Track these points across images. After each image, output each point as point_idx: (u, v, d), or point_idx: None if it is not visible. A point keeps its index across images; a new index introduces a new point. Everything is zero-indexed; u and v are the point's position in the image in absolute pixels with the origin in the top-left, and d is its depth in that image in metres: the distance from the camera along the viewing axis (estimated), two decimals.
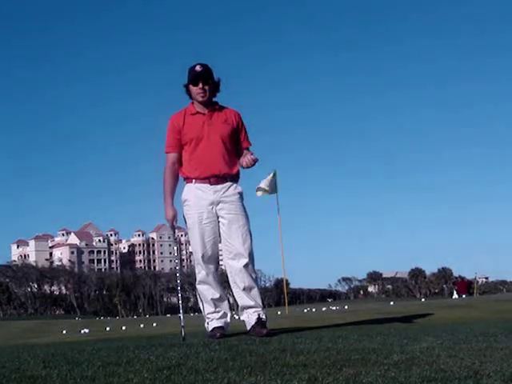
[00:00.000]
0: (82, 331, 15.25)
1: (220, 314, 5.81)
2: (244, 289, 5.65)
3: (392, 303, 28.89)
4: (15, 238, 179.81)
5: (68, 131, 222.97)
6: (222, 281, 5.91)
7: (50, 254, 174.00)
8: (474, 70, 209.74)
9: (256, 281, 5.76)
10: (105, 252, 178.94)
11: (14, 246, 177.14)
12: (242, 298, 5.70)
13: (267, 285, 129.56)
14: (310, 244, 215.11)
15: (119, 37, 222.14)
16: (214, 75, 5.65)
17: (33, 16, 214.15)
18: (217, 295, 5.78)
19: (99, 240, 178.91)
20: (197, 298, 5.99)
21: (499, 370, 3.09)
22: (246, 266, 5.62)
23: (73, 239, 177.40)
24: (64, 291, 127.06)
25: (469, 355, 3.56)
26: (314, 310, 27.74)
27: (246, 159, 5.64)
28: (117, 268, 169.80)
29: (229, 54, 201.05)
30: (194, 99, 5.71)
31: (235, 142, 5.76)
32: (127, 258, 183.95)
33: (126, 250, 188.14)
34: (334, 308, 27.07)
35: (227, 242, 5.66)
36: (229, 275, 5.72)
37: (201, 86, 5.60)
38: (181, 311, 5.85)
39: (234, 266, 5.64)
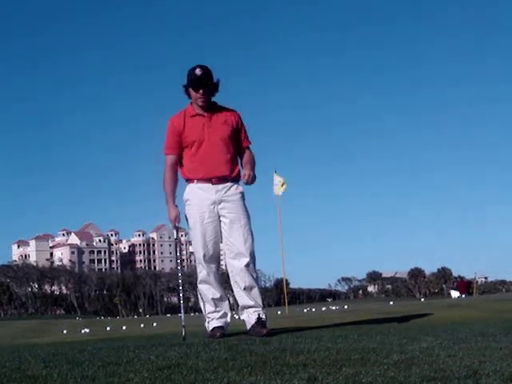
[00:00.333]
0: (83, 331, 15.26)
1: (220, 313, 5.83)
2: (245, 288, 5.67)
3: (391, 303, 28.89)
4: (16, 238, 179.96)
5: (68, 131, 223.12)
6: (223, 281, 5.94)
7: (51, 254, 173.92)
8: (481, 71, 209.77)
9: (257, 280, 5.78)
10: (105, 252, 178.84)
11: (15, 246, 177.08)
12: (242, 298, 5.72)
13: (267, 285, 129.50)
14: (310, 244, 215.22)
15: (120, 38, 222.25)
16: (214, 76, 5.64)
17: (34, 17, 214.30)
18: (217, 295, 5.80)
19: (99, 240, 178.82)
20: (197, 298, 6.01)
21: (498, 369, 3.09)
22: (247, 265, 5.64)
23: (73, 239, 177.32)
24: (64, 291, 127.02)
25: (468, 355, 3.57)
26: (313, 309, 27.71)
27: (245, 177, 5.68)
28: (117, 268, 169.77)
29: (230, 55, 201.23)
30: (193, 102, 5.73)
31: (235, 142, 5.78)
32: (127, 258, 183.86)
33: (126, 250, 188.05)
34: (334, 308, 27.05)
35: (228, 241, 5.68)
36: (230, 274, 5.74)
37: (201, 92, 5.60)
38: (182, 311, 5.86)
39: (235, 265, 5.66)
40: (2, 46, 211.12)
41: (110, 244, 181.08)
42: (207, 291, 5.80)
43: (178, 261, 5.98)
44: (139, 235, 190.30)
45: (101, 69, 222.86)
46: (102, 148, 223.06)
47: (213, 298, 5.79)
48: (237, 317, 6.96)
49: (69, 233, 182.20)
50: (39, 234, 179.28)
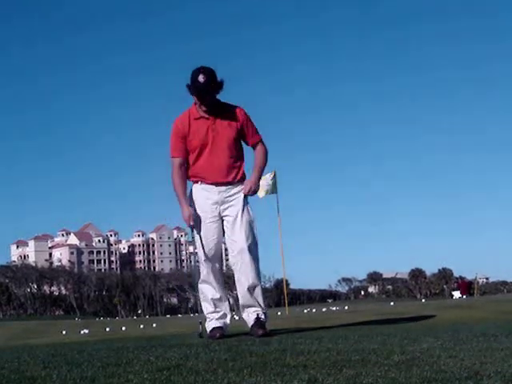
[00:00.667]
0: (82, 332, 15.24)
1: (220, 314, 5.83)
2: (248, 287, 5.69)
3: (392, 304, 28.91)
4: (15, 239, 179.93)
5: (68, 132, 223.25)
6: (224, 281, 5.94)
7: (50, 254, 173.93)
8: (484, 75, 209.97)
9: (260, 279, 5.81)
10: (104, 252, 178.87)
11: (14, 247, 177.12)
12: (244, 297, 5.74)
13: (267, 285, 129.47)
14: (310, 244, 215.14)
15: (128, 42, 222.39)
16: (217, 77, 5.56)
17: (40, 22, 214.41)
18: (217, 295, 5.80)
19: (99, 240, 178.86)
20: (196, 298, 6.00)
21: (500, 370, 3.08)
22: (249, 263, 5.65)
23: (72, 240, 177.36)
24: (64, 292, 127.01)
25: (469, 356, 3.56)
26: (314, 310, 27.70)
27: (245, 190, 5.68)
28: (116, 268, 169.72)
29: (232, 60, 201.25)
30: (197, 104, 5.68)
31: (241, 143, 5.80)
32: (127, 259, 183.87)
33: (125, 251, 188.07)
34: (334, 308, 27.05)
35: (231, 239, 5.71)
36: (235, 273, 5.77)
37: (205, 101, 5.55)
38: (199, 308, 5.89)
39: (238, 263, 5.68)
40: (8, 49, 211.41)
41: (109, 244, 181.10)
42: (207, 291, 5.81)
43: (194, 262, 5.93)
44: (139, 236, 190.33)
45: (100, 72, 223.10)
46: (101, 148, 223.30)
47: (212, 299, 5.79)
48: (237, 317, 6.95)
49: (68, 233, 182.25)
50: (38, 235, 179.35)
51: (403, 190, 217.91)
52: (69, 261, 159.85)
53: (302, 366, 3.38)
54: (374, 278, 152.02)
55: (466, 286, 49.87)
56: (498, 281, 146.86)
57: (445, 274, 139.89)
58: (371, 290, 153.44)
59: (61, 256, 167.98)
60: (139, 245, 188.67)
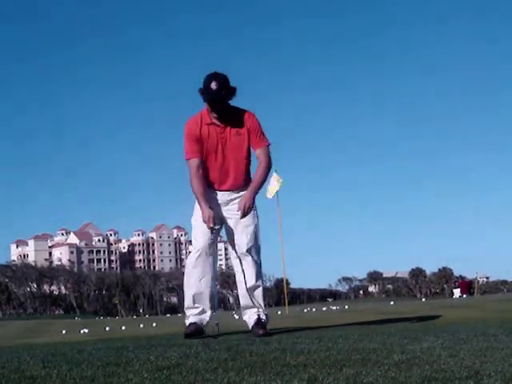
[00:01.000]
0: (82, 331, 15.22)
1: (198, 310, 5.80)
2: (249, 288, 5.70)
3: (392, 303, 28.91)
4: (14, 238, 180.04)
5: (68, 131, 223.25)
6: (222, 281, 5.94)
7: (50, 253, 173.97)
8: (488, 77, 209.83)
9: (261, 280, 5.82)
10: (104, 252, 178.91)
11: (14, 246, 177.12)
12: (244, 298, 5.76)
13: (267, 285, 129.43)
14: (311, 244, 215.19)
15: (133, 43, 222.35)
16: (230, 84, 5.51)
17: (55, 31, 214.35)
18: (200, 291, 5.74)
19: (99, 240, 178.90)
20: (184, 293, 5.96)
21: (500, 370, 3.08)
22: (251, 265, 5.67)
23: (72, 239, 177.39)
24: (63, 291, 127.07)
25: (469, 355, 3.55)
26: (314, 309, 27.70)
27: (240, 208, 5.62)
28: (116, 268, 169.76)
29: (240, 59, 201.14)
30: (208, 109, 5.63)
31: (249, 150, 5.75)
32: (127, 258, 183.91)
33: (125, 250, 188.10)
34: (334, 308, 27.04)
35: (234, 240, 5.72)
36: (236, 274, 5.78)
37: (216, 109, 5.52)
38: (215, 307, 5.90)
39: (239, 265, 5.72)
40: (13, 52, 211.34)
41: (109, 244, 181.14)
42: (191, 285, 5.78)
43: (218, 262, 5.94)
44: (138, 235, 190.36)
45: (102, 74, 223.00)
46: (101, 148, 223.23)
47: (193, 294, 5.77)
48: (237, 316, 6.94)
49: (68, 232, 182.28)
50: (38, 234, 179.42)
51: (403, 190, 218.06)
52: (69, 260, 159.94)
53: (302, 365, 3.38)
54: (374, 277, 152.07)
55: (467, 286, 49.90)
56: (498, 280, 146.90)
57: (445, 274, 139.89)
58: (371, 289, 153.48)
59: (61, 255, 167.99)
60: (139, 244, 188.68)
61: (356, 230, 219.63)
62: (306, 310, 25.16)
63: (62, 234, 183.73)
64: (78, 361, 3.90)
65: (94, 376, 3.30)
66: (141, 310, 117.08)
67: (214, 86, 5.44)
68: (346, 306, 29.40)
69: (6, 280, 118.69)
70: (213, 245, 5.74)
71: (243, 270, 5.69)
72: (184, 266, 6.25)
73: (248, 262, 5.66)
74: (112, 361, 3.78)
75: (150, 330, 10.91)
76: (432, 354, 3.61)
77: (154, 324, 16.87)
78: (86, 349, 4.79)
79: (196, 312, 5.80)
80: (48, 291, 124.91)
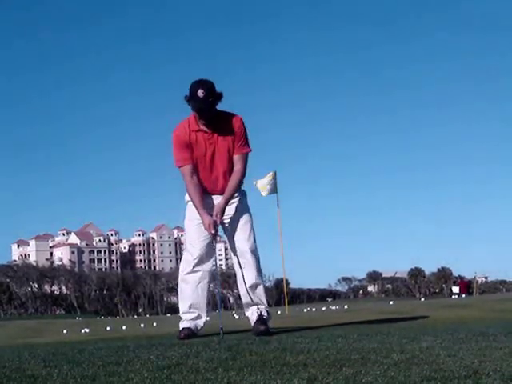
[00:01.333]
0: (83, 331, 15.23)
1: (194, 315, 5.82)
2: (250, 286, 5.72)
3: (391, 303, 28.88)
4: (16, 238, 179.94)
5: (68, 130, 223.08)
6: (222, 280, 5.96)
7: (51, 253, 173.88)
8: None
9: (262, 277, 5.85)
10: (105, 252, 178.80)
11: (15, 246, 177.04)
12: (246, 296, 5.78)
13: (267, 284, 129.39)
14: (310, 243, 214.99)
15: (131, 41, 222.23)
16: (216, 89, 5.46)
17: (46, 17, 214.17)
18: (195, 296, 5.76)
19: (99, 240, 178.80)
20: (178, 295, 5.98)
21: (499, 369, 3.09)
22: (251, 263, 5.69)
23: (73, 239, 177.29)
24: (64, 291, 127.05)
25: (468, 355, 3.56)
26: (313, 309, 27.73)
27: (214, 214, 5.59)
28: (117, 268, 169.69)
29: (230, 55, 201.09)
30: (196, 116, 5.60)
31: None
32: (127, 258, 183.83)
33: (126, 250, 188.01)
34: (334, 307, 27.07)
35: (232, 240, 5.74)
36: (236, 273, 5.80)
37: (205, 117, 5.48)
38: (219, 309, 5.94)
39: (239, 264, 5.73)
40: (8, 46, 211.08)
41: (109, 244, 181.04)
42: (186, 292, 5.81)
43: (216, 266, 5.94)
44: (139, 235, 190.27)
45: (99, 69, 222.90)
46: (101, 148, 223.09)
47: (190, 304, 5.79)
48: (237, 316, 6.95)
49: (69, 232, 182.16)
50: (39, 234, 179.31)
51: (403, 190, 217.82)
52: (69, 260, 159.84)
53: (301, 364, 3.39)
54: (374, 277, 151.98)
55: (465, 286, 49.87)
56: (496, 280, 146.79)
57: (444, 274, 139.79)
58: (371, 289, 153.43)
59: (61, 255, 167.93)
60: (140, 244, 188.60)
61: (355, 230, 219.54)
62: (305, 310, 25.19)
63: (63, 234, 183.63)
64: (78, 360, 3.91)
65: (95, 375, 3.31)
66: (141, 310, 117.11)
67: (200, 93, 5.37)
68: (346, 306, 29.44)
69: (8, 280, 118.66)
70: (210, 246, 5.75)
71: (243, 269, 5.71)
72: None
73: (249, 259, 5.69)
74: (113, 360, 3.79)
75: (150, 330, 10.91)
76: (431, 354, 3.63)
77: (155, 324, 16.90)
78: (86, 348, 4.80)
79: (191, 317, 5.82)
80: (49, 291, 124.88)
